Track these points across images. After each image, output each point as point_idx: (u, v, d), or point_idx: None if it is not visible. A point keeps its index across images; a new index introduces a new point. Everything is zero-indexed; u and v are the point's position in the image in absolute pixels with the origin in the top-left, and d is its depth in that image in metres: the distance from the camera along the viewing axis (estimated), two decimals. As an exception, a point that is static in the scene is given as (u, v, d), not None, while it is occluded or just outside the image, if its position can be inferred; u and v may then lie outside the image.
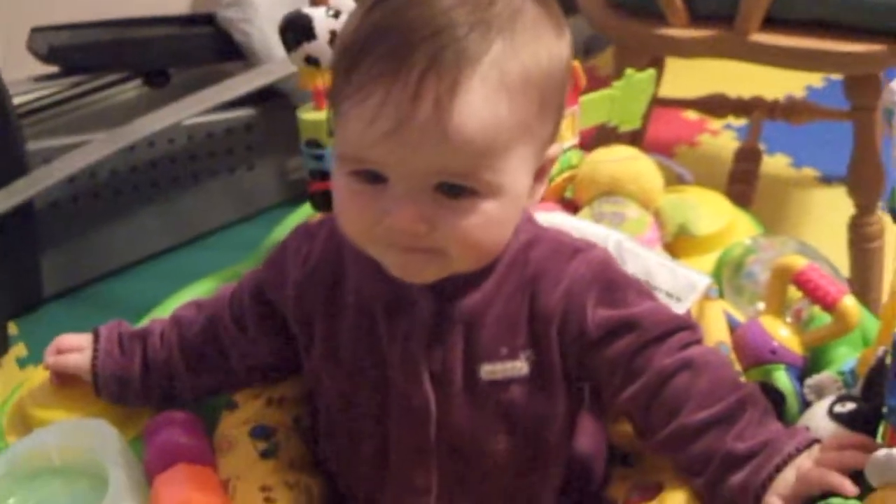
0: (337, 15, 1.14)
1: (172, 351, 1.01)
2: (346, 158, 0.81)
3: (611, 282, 0.89)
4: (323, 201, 1.22)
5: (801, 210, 2.19)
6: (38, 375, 1.08)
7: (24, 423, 1.05)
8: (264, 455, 0.95)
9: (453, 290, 0.87)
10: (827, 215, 2.13)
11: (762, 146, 2.07)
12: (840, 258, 1.72)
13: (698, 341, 0.89)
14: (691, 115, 2.37)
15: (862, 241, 1.80)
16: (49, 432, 0.96)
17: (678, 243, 1.22)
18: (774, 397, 0.96)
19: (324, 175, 1.19)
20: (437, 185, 0.79)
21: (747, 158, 2.03)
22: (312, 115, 1.19)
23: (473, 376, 0.88)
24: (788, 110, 2.03)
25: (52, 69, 2.10)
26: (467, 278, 0.87)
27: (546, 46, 0.82)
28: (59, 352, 1.04)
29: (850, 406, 0.88)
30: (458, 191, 0.79)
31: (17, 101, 1.95)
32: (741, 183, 1.97)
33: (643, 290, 0.91)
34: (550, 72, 0.82)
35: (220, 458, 0.95)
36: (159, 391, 1.02)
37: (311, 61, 1.15)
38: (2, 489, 0.93)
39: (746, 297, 1.13)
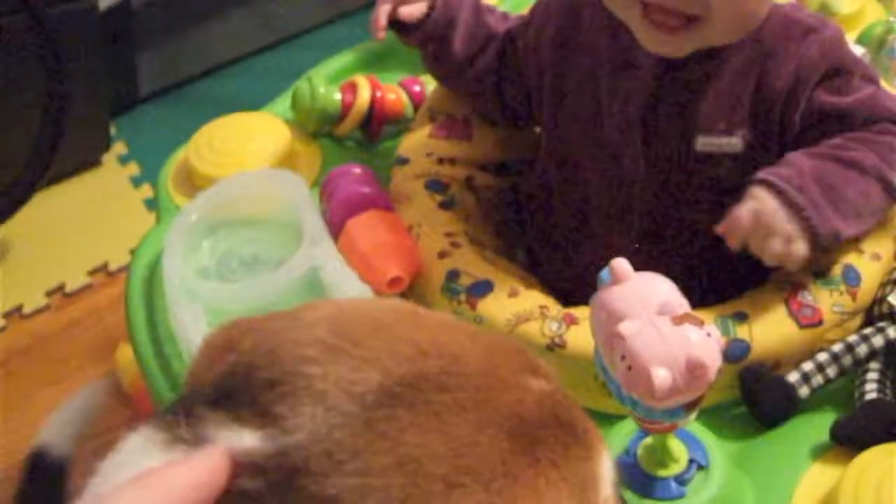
0: None
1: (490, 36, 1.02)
2: None
3: (840, 66, 0.88)
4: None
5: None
6: (202, 137, 1.11)
7: (192, 183, 1.09)
8: (443, 206, 0.98)
9: (680, 60, 0.87)
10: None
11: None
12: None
13: None
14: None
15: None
16: (234, 183, 0.98)
17: (819, 21, 1.23)
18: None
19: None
20: None
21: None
22: None
23: (688, 146, 0.89)
24: None
25: None
26: (698, 49, 0.87)
27: None
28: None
29: None
30: None
31: None
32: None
33: (868, 75, 0.90)
34: None
35: (398, 209, 0.98)
36: (446, 56, 1.02)
37: None
38: (192, 238, 0.96)
39: (889, 75, 1.14)
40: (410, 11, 1.00)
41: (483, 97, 1.03)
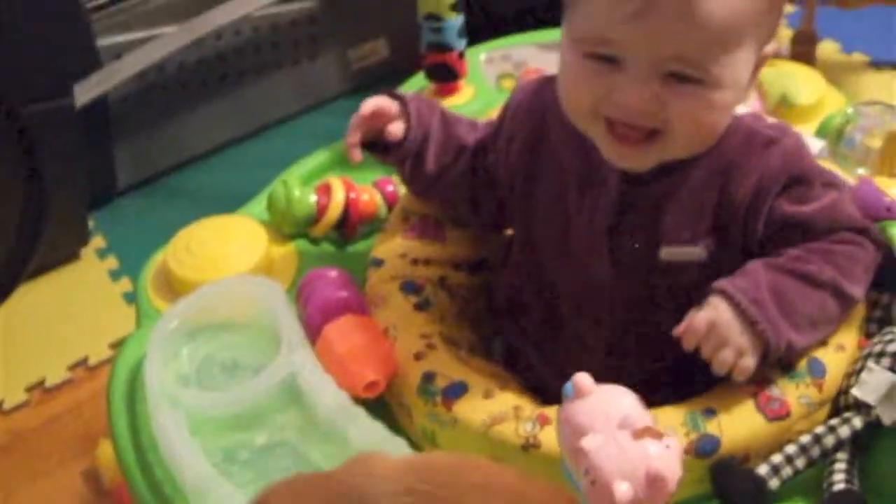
0: None
1: (460, 151, 1.03)
2: (584, 40, 0.84)
3: (800, 175, 0.90)
4: (438, 73, 1.25)
5: (853, 96, 2.22)
6: (181, 240, 1.13)
7: (171, 287, 1.11)
8: (418, 307, 1.00)
9: (644, 174, 0.90)
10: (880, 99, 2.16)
11: (812, 31, 2.08)
12: None
13: (859, 242, 0.91)
14: None
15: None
16: (213, 289, 1.00)
17: (779, 113, 1.27)
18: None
19: (441, 48, 1.22)
20: (668, 73, 0.81)
21: (804, 42, 2.07)
22: (433, -11, 1.21)
23: (653, 256, 0.91)
24: (843, -6, 2.06)
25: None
26: (661, 164, 0.89)
27: None
28: (375, 117, 1.01)
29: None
30: (685, 80, 0.82)
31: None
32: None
33: (829, 182, 0.92)
34: None
35: (374, 311, 1.00)
36: (421, 171, 1.04)
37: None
38: (172, 344, 0.97)
39: (848, 164, 1.18)
40: (394, 130, 1.01)
41: (456, 207, 1.06)
